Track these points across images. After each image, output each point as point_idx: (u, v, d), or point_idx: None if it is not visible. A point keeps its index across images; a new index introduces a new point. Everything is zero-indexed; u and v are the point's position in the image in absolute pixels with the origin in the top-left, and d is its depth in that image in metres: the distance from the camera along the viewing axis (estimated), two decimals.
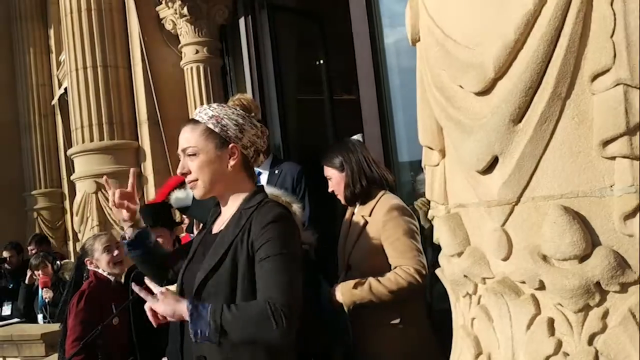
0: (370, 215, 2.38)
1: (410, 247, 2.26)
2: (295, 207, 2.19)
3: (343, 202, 2.51)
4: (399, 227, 2.28)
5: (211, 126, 1.66)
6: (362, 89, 3.73)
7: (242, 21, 4.75)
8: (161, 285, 1.67)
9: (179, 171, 1.69)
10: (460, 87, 1.09)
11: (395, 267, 2.25)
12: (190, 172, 1.67)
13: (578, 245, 0.94)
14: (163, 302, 1.55)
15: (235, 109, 1.71)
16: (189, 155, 1.66)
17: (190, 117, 1.81)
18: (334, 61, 5.36)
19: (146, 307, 1.61)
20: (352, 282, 2.27)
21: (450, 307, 1.27)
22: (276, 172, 3.11)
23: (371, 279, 2.24)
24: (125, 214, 1.85)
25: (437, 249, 1.27)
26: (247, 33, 4.76)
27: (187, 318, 1.51)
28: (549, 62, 0.97)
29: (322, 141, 5.04)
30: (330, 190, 2.53)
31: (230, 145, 1.66)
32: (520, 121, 1.00)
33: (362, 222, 2.40)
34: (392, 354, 2.27)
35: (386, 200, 2.37)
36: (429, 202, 1.31)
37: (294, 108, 4.95)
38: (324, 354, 2.26)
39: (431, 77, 1.18)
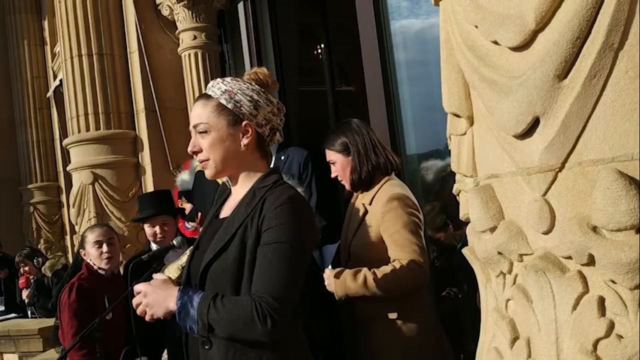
0: (370, 203, 2.26)
1: (409, 240, 2.13)
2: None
3: (348, 187, 2.36)
4: (398, 218, 2.16)
5: (224, 102, 1.56)
6: (368, 80, 3.59)
7: (240, 6, 4.62)
8: None
9: (189, 149, 1.59)
10: (495, 43, 0.98)
11: (394, 261, 2.13)
12: (201, 151, 1.57)
13: (635, 213, 0.84)
14: (154, 302, 1.49)
15: (251, 84, 1.60)
16: (200, 132, 1.56)
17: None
18: (336, 50, 5.23)
19: (134, 304, 1.53)
20: (347, 274, 2.16)
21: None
22: (282, 157, 2.99)
23: (366, 272, 2.13)
24: None
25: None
26: (246, 19, 4.63)
27: (176, 318, 1.45)
28: (599, 8, 0.86)
29: (324, 132, 4.92)
30: (333, 175, 2.38)
31: (243, 123, 1.56)
32: (565, 77, 0.90)
33: (362, 210, 2.28)
34: (388, 348, 2.15)
35: (388, 189, 2.24)
36: None
37: (295, 98, 4.83)
38: (334, 345, 2.16)
39: (460, 36, 1.07)
